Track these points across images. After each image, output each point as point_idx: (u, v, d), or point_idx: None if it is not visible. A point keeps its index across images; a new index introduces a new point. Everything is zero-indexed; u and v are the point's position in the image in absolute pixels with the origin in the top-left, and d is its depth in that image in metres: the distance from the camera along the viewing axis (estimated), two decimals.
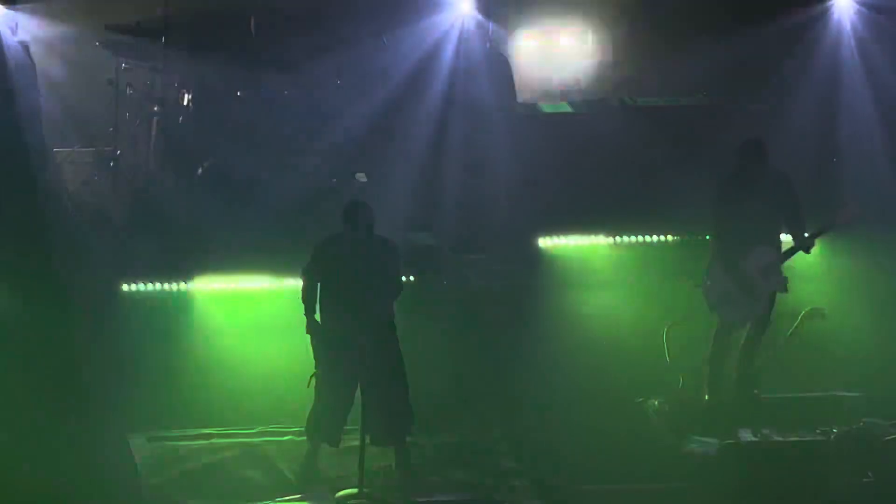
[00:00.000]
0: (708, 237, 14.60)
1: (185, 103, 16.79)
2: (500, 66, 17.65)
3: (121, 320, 15.18)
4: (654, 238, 17.41)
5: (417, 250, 15.99)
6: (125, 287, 15.77)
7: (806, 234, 14.18)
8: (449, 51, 17.38)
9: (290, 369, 13.78)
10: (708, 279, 14.26)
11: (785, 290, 14.24)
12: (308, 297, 12.97)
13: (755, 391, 14.41)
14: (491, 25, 17.66)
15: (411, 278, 15.44)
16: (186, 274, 15.84)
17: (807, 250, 14.23)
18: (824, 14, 18.06)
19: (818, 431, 13.85)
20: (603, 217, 17.29)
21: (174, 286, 15.83)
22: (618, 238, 17.36)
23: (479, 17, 17.54)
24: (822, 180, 16.80)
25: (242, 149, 16.63)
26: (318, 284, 12.96)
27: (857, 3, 18.03)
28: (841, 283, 15.80)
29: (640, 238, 17.39)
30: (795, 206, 14.28)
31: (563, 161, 17.36)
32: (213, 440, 13.85)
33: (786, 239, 14.37)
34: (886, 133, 17.61)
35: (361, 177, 17.26)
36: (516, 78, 17.85)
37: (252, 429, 13.96)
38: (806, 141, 17.49)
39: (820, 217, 14.38)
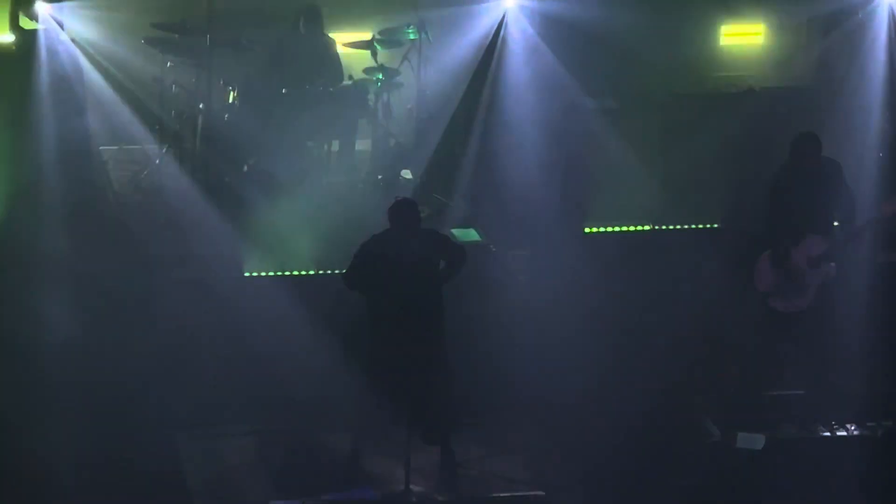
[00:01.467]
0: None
1: (231, 100, 16.82)
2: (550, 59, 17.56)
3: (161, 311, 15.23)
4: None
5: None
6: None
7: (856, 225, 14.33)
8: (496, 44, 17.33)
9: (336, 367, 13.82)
10: (759, 268, 14.24)
11: (833, 279, 14.26)
12: (363, 294, 13.00)
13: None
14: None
15: None
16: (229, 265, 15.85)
17: (856, 241, 14.21)
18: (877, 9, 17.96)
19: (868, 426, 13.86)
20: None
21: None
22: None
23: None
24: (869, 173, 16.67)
25: (287, 145, 16.64)
26: (365, 285, 12.99)
27: None
28: None
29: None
30: (849, 199, 14.39)
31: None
32: (258, 436, 13.93)
33: None
34: None
35: (406, 173, 17.30)
36: None
37: (296, 425, 14.02)
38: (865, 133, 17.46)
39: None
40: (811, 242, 14.24)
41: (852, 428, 13.94)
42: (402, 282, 12.91)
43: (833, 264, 14.28)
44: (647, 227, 17.26)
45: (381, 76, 17.19)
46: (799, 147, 14.38)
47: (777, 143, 15.62)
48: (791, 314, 14.44)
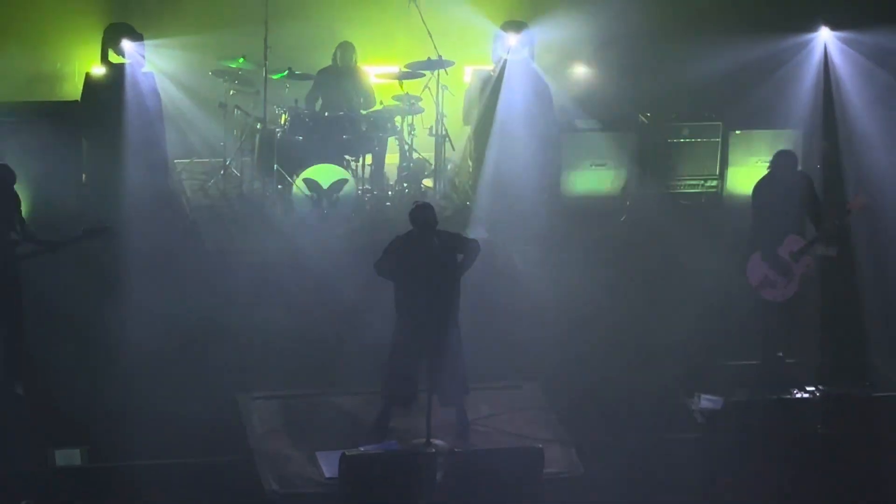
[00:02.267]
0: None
1: (283, 122, 16.86)
2: (542, 88, 17.58)
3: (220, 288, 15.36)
4: None
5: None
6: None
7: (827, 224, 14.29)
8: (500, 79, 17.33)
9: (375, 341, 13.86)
10: (751, 264, 14.28)
11: (812, 271, 14.27)
12: (393, 281, 13.03)
13: (780, 354, 14.44)
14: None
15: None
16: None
17: (829, 238, 14.26)
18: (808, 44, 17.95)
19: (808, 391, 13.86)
20: None
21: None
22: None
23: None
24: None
25: (330, 159, 16.66)
26: (393, 275, 13.01)
27: (839, 39, 17.88)
28: None
29: None
30: (818, 202, 14.40)
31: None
32: (306, 398, 13.95)
33: None
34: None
35: (427, 182, 17.33)
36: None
37: (337, 388, 14.05)
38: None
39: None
40: (791, 241, 14.21)
41: (794, 392, 13.99)
42: (422, 273, 12.87)
43: (810, 258, 14.28)
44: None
45: (406, 102, 17.23)
46: (778, 162, 14.41)
47: None
48: (778, 303, 14.44)
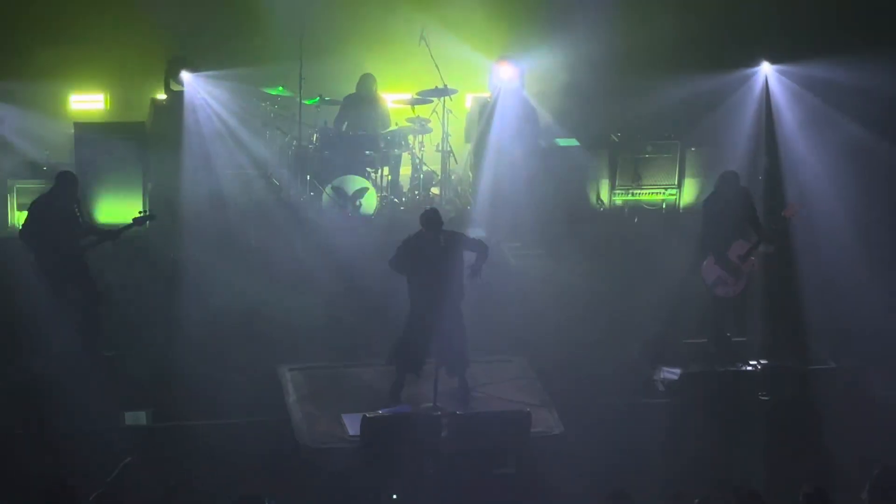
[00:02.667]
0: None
1: (314, 140, 16.81)
2: (530, 111, 17.53)
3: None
4: None
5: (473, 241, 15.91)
6: None
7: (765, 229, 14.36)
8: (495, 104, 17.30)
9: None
10: (705, 267, 14.22)
11: (756, 269, 14.24)
12: (405, 274, 12.97)
13: (728, 335, 14.42)
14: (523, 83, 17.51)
15: None
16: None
17: (768, 240, 14.29)
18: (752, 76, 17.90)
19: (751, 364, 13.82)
20: None
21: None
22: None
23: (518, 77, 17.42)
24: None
25: (354, 171, 16.61)
26: (406, 269, 12.96)
27: (777, 71, 17.83)
28: None
29: None
30: (755, 212, 14.34)
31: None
32: (334, 370, 13.91)
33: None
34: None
35: (435, 190, 17.27)
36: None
37: (359, 361, 14.01)
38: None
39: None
40: (738, 245, 14.18)
41: (741, 365, 13.94)
42: (430, 265, 12.89)
43: (754, 259, 14.24)
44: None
45: (417, 124, 17.19)
46: (723, 179, 14.37)
47: None
48: (728, 297, 14.39)
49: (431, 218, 12.93)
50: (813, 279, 15.37)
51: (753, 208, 14.41)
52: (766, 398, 13.26)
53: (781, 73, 17.81)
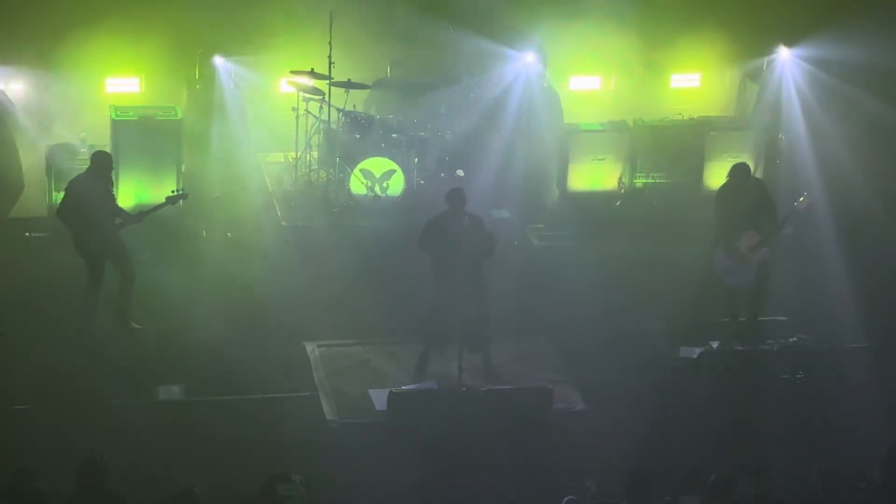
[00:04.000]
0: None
1: (339, 122, 16.76)
2: (553, 97, 17.46)
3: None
4: None
5: (497, 222, 15.89)
6: None
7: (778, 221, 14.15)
8: (518, 87, 17.24)
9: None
10: (716, 256, 14.13)
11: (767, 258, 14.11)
12: (429, 254, 12.94)
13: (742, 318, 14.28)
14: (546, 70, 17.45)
15: None
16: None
17: (779, 232, 14.12)
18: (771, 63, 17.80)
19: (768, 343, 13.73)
20: None
21: None
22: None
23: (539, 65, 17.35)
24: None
25: (381, 153, 16.54)
26: (432, 247, 12.93)
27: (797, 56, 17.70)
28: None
29: None
30: (771, 204, 14.23)
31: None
32: (361, 346, 13.88)
33: None
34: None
35: (460, 172, 17.21)
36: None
37: (386, 338, 13.97)
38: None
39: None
40: (748, 236, 14.06)
41: (760, 344, 13.83)
42: (455, 244, 12.86)
43: (766, 249, 14.13)
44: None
45: (443, 107, 17.13)
46: (734, 172, 14.26)
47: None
48: (740, 287, 14.30)
49: (456, 197, 12.93)
50: (838, 265, 15.27)
51: (768, 198, 14.27)
52: (786, 377, 13.14)
53: (799, 56, 17.69)
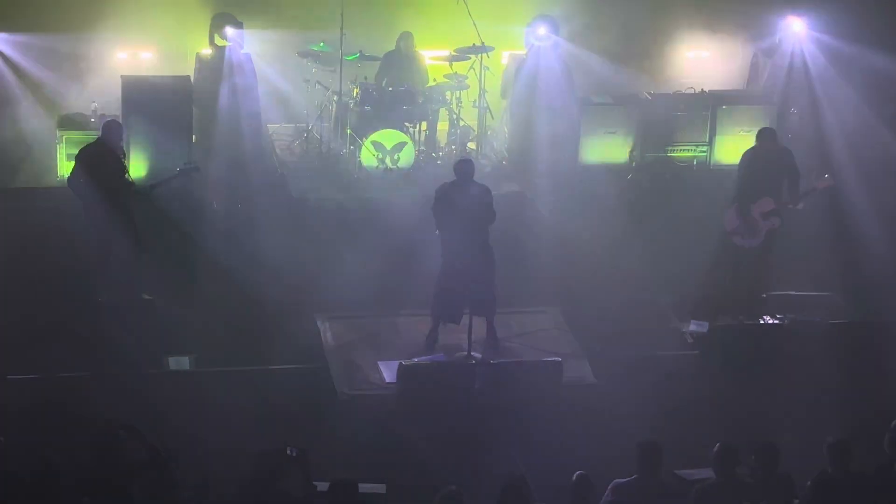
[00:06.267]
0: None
1: (355, 95, 16.66)
2: (564, 69, 17.35)
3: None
4: None
5: (507, 195, 15.82)
6: None
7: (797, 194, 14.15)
8: (531, 62, 17.13)
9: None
10: (727, 214, 14.13)
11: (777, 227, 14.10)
12: (439, 222, 12.89)
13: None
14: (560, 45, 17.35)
15: None
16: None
17: (796, 205, 14.10)
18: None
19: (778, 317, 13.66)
20: None
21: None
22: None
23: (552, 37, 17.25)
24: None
25: (392, 125, 16.43)
26: (441, 215, 12.90)
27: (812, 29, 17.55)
28: None
29: None
30: (796, 174, 14.17)
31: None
32: (371, 318, 13.84)
33: None
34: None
35: (471, 144, 17.13)
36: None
37: (396, 311, 13.92)
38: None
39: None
40: (764, 202, 14.03)
41: (768, 319, 13.78)
42: (462, 213, 12.85)
43: (779, 218, 14.08)
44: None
45: (454, 80, 17.03)
46: (761, 136, 14.23)
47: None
48: (745, 248, 14.24)
49: (465, 168, 12.96)
50: (844, 243, 15.19)
51: (795, 169, 14.20)
52: (795, 351, 13.06)
53: (810, 27, 17.57)
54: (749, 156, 14.27)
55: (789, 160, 14.24)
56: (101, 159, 13.52)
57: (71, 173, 13.76)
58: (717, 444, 9.76)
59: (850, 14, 16.93)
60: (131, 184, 13.76)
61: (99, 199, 13.42)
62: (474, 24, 16.66)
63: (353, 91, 16.75)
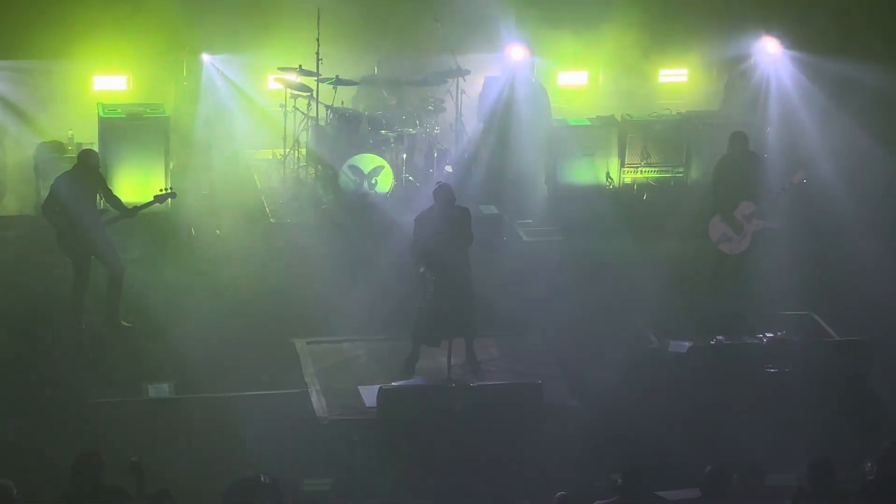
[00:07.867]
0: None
1: (327, 119, 16.65)
2: (541, 93, 17.40)
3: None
4: None
5: (485, 218, 15.80)
6: None
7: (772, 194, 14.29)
8: (507, 84, 17.19)
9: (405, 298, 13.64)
10: (712, 223, 14.25)
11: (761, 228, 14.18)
12: (416, 252, 12.86)
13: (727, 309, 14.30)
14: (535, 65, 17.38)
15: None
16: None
17: (774, 205, 14.24)
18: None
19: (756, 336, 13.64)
20: None
21: None
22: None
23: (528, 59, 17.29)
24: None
25: (370, 149, 16.41)
26: (422, 246, 12.87)
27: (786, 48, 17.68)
28: None
29: None
30: (763, 176, 14.41)
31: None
32: (350, 343, 13.79)
33: None
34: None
35: (449, 168, 17.11)
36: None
37: (375, 335, 13.87)
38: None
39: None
40: (744, 206, 14.17)
41: (746, 338, 13.74)
42: (442, 239, 12.81)
43: (761, 221, 14.19)
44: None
45: (431, 104, 17.03)
46: (733, 140, 14.36)
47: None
48: (732, 257, 14.33)
49: (444, 193, 12.86)
50: (819, 258, 15.21)
51: (762, 172, 14.36)
52: (773, 370, 13.05)
53: (781, 44, 17.66)
54: (723, 163, 14.42)
55: (758, 163, 14.49)
56: (75, 188, 13.44)
57: (45, 201, 13.68)
58: (708, 466, 9.72)
59: (823, 30, 17.09)
60: (107, 210, 13.69)
61: (73, 228, 13.35)
62: (451, 50, 16.71)
63: (329, 115, 16.73)
